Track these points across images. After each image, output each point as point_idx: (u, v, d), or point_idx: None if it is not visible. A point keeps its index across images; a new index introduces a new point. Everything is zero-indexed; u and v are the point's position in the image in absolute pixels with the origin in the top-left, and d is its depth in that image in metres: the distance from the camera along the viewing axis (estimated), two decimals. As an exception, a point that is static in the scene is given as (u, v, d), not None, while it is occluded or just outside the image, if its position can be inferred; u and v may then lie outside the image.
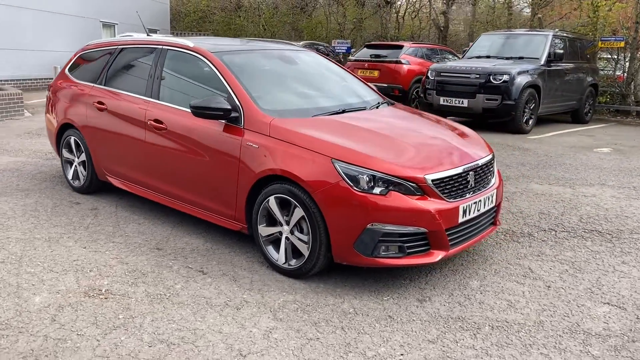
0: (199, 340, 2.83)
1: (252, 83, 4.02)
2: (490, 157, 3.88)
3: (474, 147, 3.86)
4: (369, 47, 13.23)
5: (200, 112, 3.72)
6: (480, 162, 3.68)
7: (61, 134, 5.46)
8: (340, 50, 18.61)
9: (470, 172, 3.57)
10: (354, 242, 3.25)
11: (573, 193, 5.76)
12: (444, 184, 3.38)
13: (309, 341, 2.84)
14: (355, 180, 3.23)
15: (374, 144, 3.52)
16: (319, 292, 3.40)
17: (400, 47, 12.49)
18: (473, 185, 3.60)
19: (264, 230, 3.66)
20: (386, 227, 3.21)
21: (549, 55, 10.42)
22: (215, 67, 4.05)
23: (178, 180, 4.21)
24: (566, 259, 3.99)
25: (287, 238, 3.55)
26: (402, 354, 2.74)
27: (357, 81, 4.89)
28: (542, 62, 10.29)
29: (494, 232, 4.24)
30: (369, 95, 4.67)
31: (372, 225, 3.20)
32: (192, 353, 2.71)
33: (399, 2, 20.96)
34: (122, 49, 5.02)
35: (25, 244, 4.07)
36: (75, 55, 5.63)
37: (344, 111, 4.08)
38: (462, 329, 3.00)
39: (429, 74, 10.58)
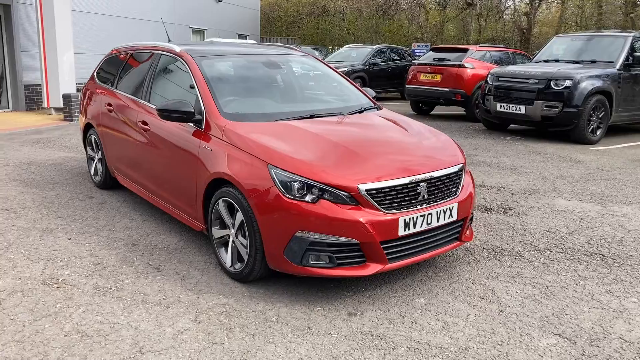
0: (112, 334, 2.94)
1: (224, 88, 4.09)
2: (456, 168, 3.64)
3: (438, 158, 3.64)
4: (435, 50, 12.85)
5: (164, 114, 3.85)
6: (436, 174, 3.46)
7: (86, 133, 5.90)
8: (419, 54, 18.26)
9: (422, 184, 3.37)
10: (284, 249, 3.21)
11: (600, 211, 5.22)
12: (382, 195, 3.22)
13: (211, 345, 2.85)
14: (287, 186, 3.18)
15: (317, 151, 3.45)
16: (255, 297, 3.38)
17: (466, 50, 11.99)
18: (426, 197, 3.40)
19: (216, 232, 3.72)
20: (313, 236, 3.13)
21: (627, 58, 9.50)
22: (191, 72, 4.17)
23: (159, 179, 4.38)
24: (541, 283, 3.64)
25: (233, 241, 3.58)
26: (294, 367, 2.67)
27: (348, 87, 4.80)
28: (618, 67, 9.41)
29: (466, 246, 3.98)
30: (355, 100, 4.57)
31: (300, 233, 3.14)
32: (97, 346, 2.82)
33: (481, 4, 20.07)
34: (131, 54, 5.31)
35: (22, 232, 4.43)
36: (103, 60, 6.04)
37: (312, 116, 4.03)
38: (376, 347, 2.85)
39: (488, 79, 10.08)
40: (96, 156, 5.74)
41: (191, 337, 2.91)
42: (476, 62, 11.68)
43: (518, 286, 3.58)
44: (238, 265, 3.54)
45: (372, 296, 3.42)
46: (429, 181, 3.42)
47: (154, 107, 4.35)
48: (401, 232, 3.25)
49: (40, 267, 3.78)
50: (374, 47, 16.78)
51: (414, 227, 3.31)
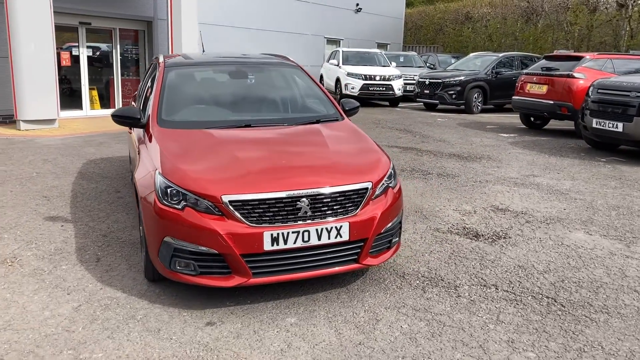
0: (0, 310, 3.35)
1: (175, 96, 4.34)
2: (356, 187, 3.41)
3: (337, 175, 3.45)
4: (548, 58, 11.65)
5: (116, 119, 4.22)
6: (325, 190, 3.30)
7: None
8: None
9: (304, 199, 3.25)
10: (157, 253, 3.34)
11: (616, 251, 4.40)
12: (249, 207, 3.18)
13: (62, 331, 3.09)
14: (164, 193, 3.31)
15: (208, 160, 3.52)
16: (146, 296, 3.54)
17: (580, 58, 10.69)
18: (309, 213, 3.26)
19: (141, 231, 3.97)
20: (177, 242, 3.22)
21: None
22: (157, 80, 4.49)
23: None
24: (441, 321, 3.24)
25: (145, 242, 3.80)
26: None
27: (320, 98, 4.73)
28: None
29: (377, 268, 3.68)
30: (315, 111, 4.53)
31: (167, 238, 3.25)
32: (-19, 318, 3.25)
33: (634, 4, 17.43)
34: (151, 64, 5.84)
35: (35, 215, 5.16)
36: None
37: (248, 126, 4.09)
38: (195, 358, 2.85)
39: (589, 91, 8.92)
40: (131, 155, 6.40)
41: (54, 322, 3.20)
42: (591, 72, 10.35)
43: (411, 321, 3.25)
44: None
45: (249, 309, 3.38)
46: (314, 197, 3.28)
47: None
48: (267, 247, 3.17)
49: (15, 246, 4.39)
50: (500, 55, 15.74)
51: (285, 244, 3.20)
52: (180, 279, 3.30)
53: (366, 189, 3.46)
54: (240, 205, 3.18)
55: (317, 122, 4.35)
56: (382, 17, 24.49)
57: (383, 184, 3.61)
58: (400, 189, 3.81)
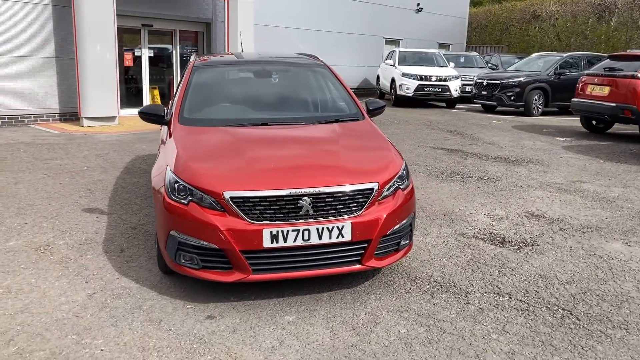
0: (23, 294, 3.55)
1: (199, 94, 4.45)
2: (361, 187, 3.37)
3: (341, 174, 3.42)
4: (612, 58, 10.99)
5: (142, 116, 4.38)
6: (327, 190, 3.28)
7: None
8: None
9: (305, 198, 3.25)
10: (165, 246, 3.44)
11: (654, 263, 4.10)
12: (250, 204, 3.22)
13: (72, 317, 3.25)
14: (173, 187, 3.41)
15: (217, 156, 3.59)
16: (157, 287, 3.67)
17: (646, 58, 10.02)
18: (311, 212, 3.26)
19: (161, 224, 4.11)
20: (181, 236, 3.30)
21: None
22: (184, 79, 4.63)
23: None
24: (442, 328, 3.15)
25: (162, 234, 3.92)
26: (102, 350, 2.91)
27: (344, 97, 4.71)
28: None
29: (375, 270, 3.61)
30: (336, 110, 4.52)
31: (173, 232, 3.35)
32: (3, 298, 3.47)
33: None
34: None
35: (70, 206, 5.44)
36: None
37: (264, 124, 4.13)
38: (188, 350, 2.91)
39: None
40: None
41: (67, 308, 3.37)
42: (658, 73, 9.67)
43: (410, 326, 3.17)
44: (161, 257, 3.87)
45: (251, 305, 3.42)
46: (316, 196, 3.27)
47: None
48: (267, 244, 3.20)
49: (51, 235, 4.66)
50: (564, 55, 15.02)
51: (285, 241, 3.21)
52: (184, 272, 3.38)
53: (372, 189, 3.41)
54: (241, 201, 3.22)
55: (336, 121, 4.33)
56: (445, 16, 23.97)
57: (392, 185, 3.54)
58: (412, 190, 3.72)
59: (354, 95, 4.75)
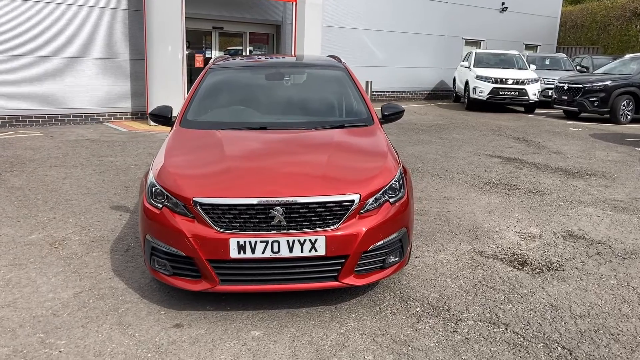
0: (18, 288, 3.68)
1: (207, 96, 4.42)
2: (339, 198, 3.14)
3: (320, 184, 3.21)
4: None
5: (152, 117, 4.42)
6: (302, 200, 3.09)
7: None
8: None
9: (277, 207, 3.08)
10: (143, 249, 3.42)
11: (698, 300, 3.52)
12: (219, 212, 3.10)
13: (51, 315, 3.31)
14: (150, 191, 3.38)
15: (199, 160, 3.52)
16: (140, 289, 3.67)
17: None
18: (284, 223, 3.09)
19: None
20: (154, 241, 3.26)
21: None
22: (197, 81, 4.62)
23: None
24: (413, 356, 2.85)
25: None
26: (60, 351, 2.93)
27: (357, 102, 4.48)
28: None
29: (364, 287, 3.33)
30: (342, 115, 4.29)
31: (148, 236, 3.31)
32: (-2, 293, 3.62)
33: None
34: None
35: (101, 203, 5.63)
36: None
37: (263, 128, 4.02)
38: (140, 357, 2.85)
39: None
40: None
41: (49, 305, 3.44)
42: None
43: (379, 352, 2.91)
44: (152, 259, 3.87)
45: (224, 316, 3.31)
46: (289, 206, 3.09)
47: None
48: (234, 254, 3.07)
49: (71, 230, 4.83)
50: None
51: (252, 252, 3.07)
52: (159, 277, 3.34)
53: (352, 201, 3.17)
54: (209, 208, 3.11)
55: (341, 127, 4.12)
56: (532, 16, 22.65)
57: (378, 197, 3.28)
58: (406, 202, 3.43)
59: (368, 100, 4.49)
